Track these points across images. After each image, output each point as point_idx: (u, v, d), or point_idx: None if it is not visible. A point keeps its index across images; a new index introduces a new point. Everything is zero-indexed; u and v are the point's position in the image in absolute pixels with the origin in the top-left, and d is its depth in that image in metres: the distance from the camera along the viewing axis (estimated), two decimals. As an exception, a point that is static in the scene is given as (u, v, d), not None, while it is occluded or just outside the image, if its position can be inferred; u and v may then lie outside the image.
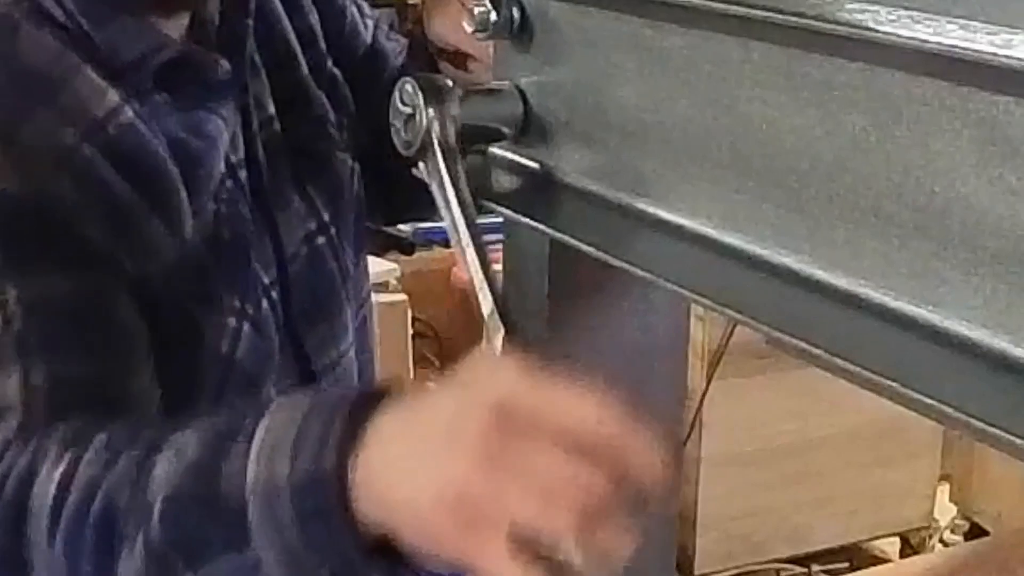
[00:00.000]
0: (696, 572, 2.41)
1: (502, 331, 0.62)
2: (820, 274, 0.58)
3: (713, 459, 2.37)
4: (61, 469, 0.68)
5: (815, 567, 2.51)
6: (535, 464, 0.53)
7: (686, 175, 0.66)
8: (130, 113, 0.83)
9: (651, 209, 0.68)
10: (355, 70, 1.06)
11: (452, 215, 0.67)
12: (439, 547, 0.55)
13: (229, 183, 0.90)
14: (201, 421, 0.66)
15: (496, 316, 0.62)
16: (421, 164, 0.69)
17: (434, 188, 0.68)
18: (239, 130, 0.92)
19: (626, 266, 0.65)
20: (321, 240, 0.97)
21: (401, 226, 2.81)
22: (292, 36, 1.01)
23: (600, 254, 0.66)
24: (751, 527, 2.43)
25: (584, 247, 0.67)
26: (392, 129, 0.71)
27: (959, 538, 2.58)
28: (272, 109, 0.96)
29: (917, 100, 0.53)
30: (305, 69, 1.00)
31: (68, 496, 0.67)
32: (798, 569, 2.51)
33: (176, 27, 0.89)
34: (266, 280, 0.93)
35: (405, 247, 2.85)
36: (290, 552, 0.59)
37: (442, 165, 0.67)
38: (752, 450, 2.39)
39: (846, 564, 2.49)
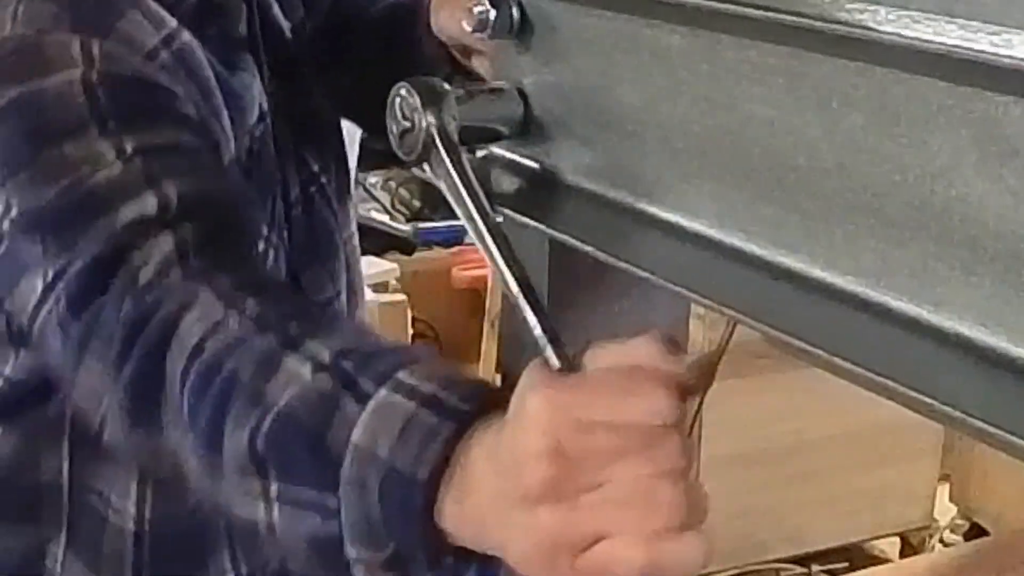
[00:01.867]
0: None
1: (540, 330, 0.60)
2: (819, 274, 0.59)
3: (713, 459, 2.36)
4: (211, 315, 0.71)
5: (815, 567, 2.51)
6: (598, 476, 0.53)
7: (685, 175, 0.66)
8: (186, 36, 0.91)
9: (650, 209, 0.68)
10: (328, 17, 1.12)
11: (468, 211, 0.65)
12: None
13: (262, 126, 0.99)
14: (337, 334, 0.69)
15: (537, 324, 0.60)
16: (427, 166, 0.68)
17: (444, 189, 0.67)
18: (260, 84, 0.99)
19: (625, 266, 0.65)
20: (313, 189, 1.05)
21: (401, 227, 2.81)
22: (276, 8, 1.07)
23: (599, 254, 0.66)
24: (751, 527, 2.43)
25: (583, 247, 0.67)
26: (391, 135, 0.71)
27: (959, 538, 2.58)
28: (269, 74, 1.03)
29: (917, 100, 0.53)
30: (288, 34, 1.07)
31: (207, 345, 0.70)
32: (798, 569, 2.50)
33: None
34: (279, 222, 1.01)
35: (405, 247, 2.85)
36: (367, 517, 0.62)
37: (448, 164, 0.67)
38: (752, 450, 2.39)
39: (846, 564, 2.49)
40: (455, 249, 2.82)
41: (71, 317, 0.76)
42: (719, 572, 2.43)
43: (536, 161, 0.75)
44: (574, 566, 0.53)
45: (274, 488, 0.66)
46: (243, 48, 0.99)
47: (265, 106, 1.00)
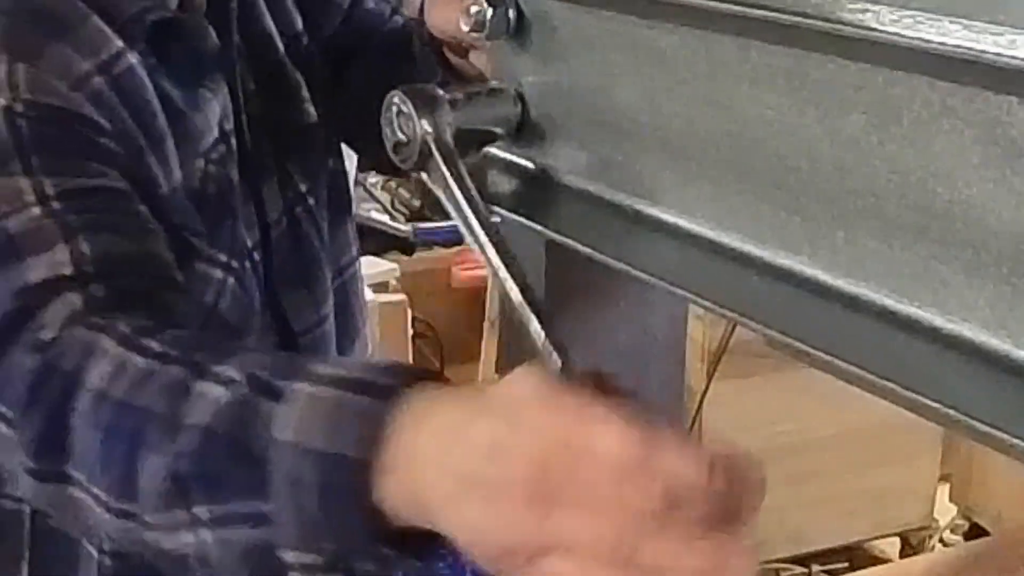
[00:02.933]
0: (696, 572, 2.40)
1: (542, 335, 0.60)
2: (820, 275, 0.58)
3: (713, 459, 2.36)
4: (115, 357, 0.69)
5: (815, 567, 2.50)
6: (584, 488, 0.52)
7: (684, 175, 0.65)
8: (131, 59, 0.89)
9: (648, 210, 0.67)
10: (335, 39, 1.11)
11: (466, 218, 0.65)
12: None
13: (222, 147, 0.96)
14: (247, 357, 0.67)
15: (536, 326, 0.60)
16: (424, 174, 0.68)
17: (441, 196, 0.66)
18: (229, 103, 0.98)
19: (623, 267, 0.65)
20: (299, 209, 1.03)
21: (401, 227, 2.81)
22: (268, 18, 1.05)
23: (597, 255, 0.65)
24: (751, 527, 2.42)
25: (581, 248, 0.66)
26: (386, 144, 0.70)
27: (959, 538, 2.57)
28: (253, 87, 1.02)
29: (919, 101, 0.52)
30: (281, 49, 1.06)
31: (114, 386, 0.68)
32: (798, 569, 2.50)
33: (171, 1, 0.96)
34: (250, 243, 0.99)
35: (405, 247, 2.85)
36: (303, 513, 0.60)
37: (445, 171, 0.66)
38: (752, 450, 2.38)
39: (846, 564, 2.49)
40: (455, 249, 2.82)
41: None
42: (719, 572, 2.43)
43: (533, 162, 0.74)
44: (524, 567, 0.53)
45: (202, 511, 0.64)
46: (210, 65, 0.97)
47: (229, 126, 0.98)
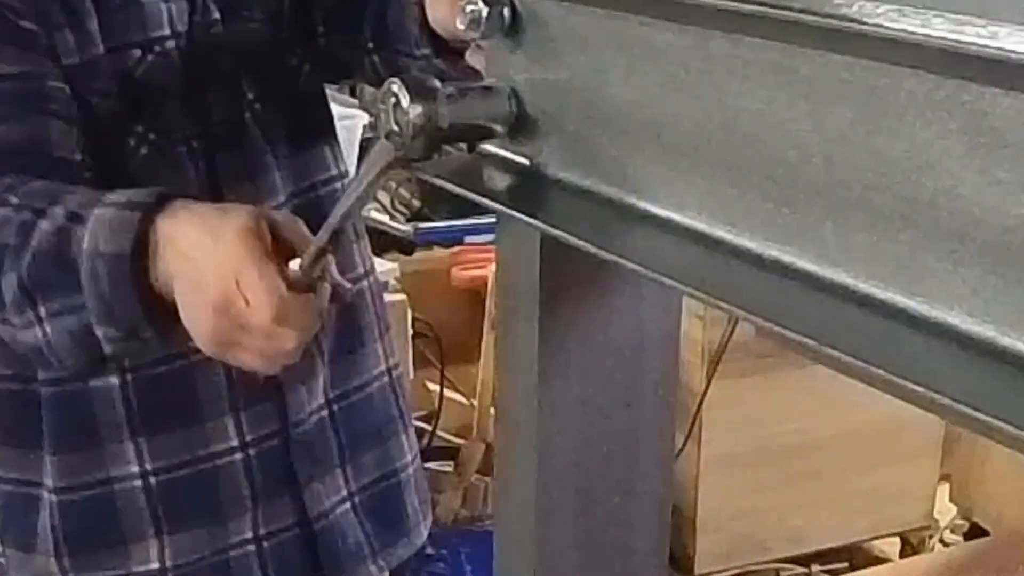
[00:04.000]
0: (696, 572, 2.40)
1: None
2: (809, 266, 0.59)
3: (713, 459, 2.37)
4: None
5: (815, 567, 2.51)
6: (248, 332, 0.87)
7: (675, 169, 0.66)
8: None
9: (640, 204, 0.68)
10: None
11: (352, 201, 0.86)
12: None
13: (169, 43, 1.12)
14: (71, 197, 0.94)
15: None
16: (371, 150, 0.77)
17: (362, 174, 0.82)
18: (187, 8, 1.12)
19: (615, 259, 0.65)
20: (248, 115, 1.18)
21: (401, 227, 2.81)
22: None
23: (590, 247, 0.66)
24: (751, 527, 2.43)
25: (575, 241, 0.67)
26: (380, 130, 0.72)
27: (959, 538, 2.58)
28: (216, 14, 1.15)
29: (904, 93, 0.53)
30: None
31: None
32: (798, 569, 2.51)
33: None
34: (188, 131, 1.14)
35: (405, 247, 2.85)
36: (102, 297, 0.89)
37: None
38: (752, 450, 2.39)
39: (846, 564, 2.49)
40: (455, 249, 2.82)
41: None
42: (719, 572, 2.43)
43: (527, 158, 0.75)
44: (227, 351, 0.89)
45: (42, 310, 0.92)
46: None
47: (181, 28, 1.13)
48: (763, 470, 2.39)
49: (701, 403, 2.31)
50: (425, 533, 1.35)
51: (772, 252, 0.61)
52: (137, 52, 1.11)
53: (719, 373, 2.29)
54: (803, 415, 2.38)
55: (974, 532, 2.52)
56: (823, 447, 2.41)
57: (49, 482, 1.13)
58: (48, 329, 0.92)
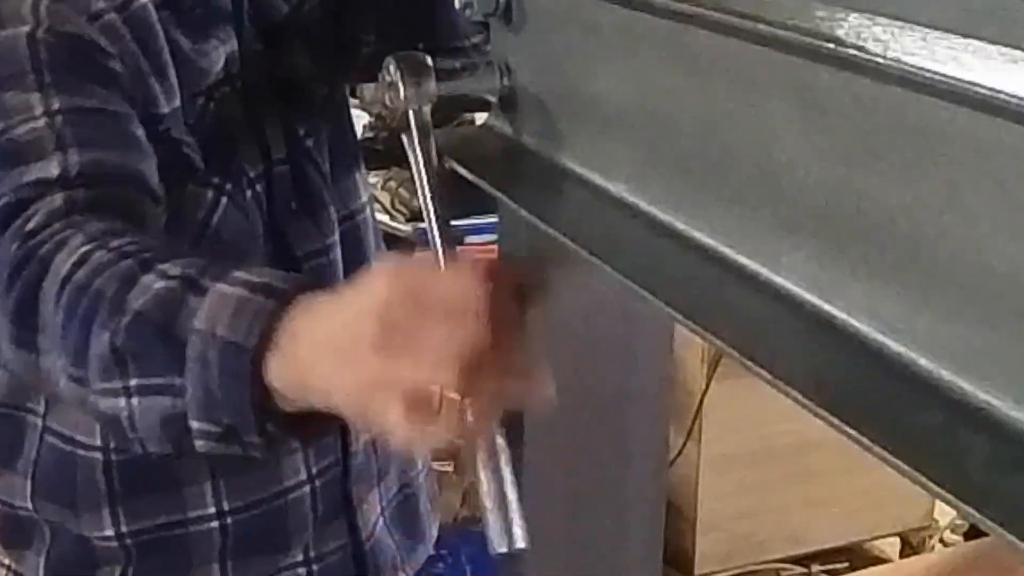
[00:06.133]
0: (696, 572, 2.40)
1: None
2: (694, 233, 0.64)
3: (713, 459, 2.37)
4: (81, 250, 0.82)
5: (815, 567, 2.51)
6: (419, 338, 0.64)
7: (637, 152, 0.68)
8: (143, 1, 1.02)
9: (603, 184, 0.71)
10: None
11: (422, 190, 0.75)
12: (357, 420, 0.68)
13: (226, 88, 1.09)
14: (188, 260, 0.79)
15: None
16: (404, 137, 0.74)
17: (411, 160, 0.74)
18: (237, 52, 1.09)
19: (567, 241, 0.68)
20: (301, 151, 1.16)
21: (401, 227, 2.82)
22: None
23: (548, 228, 0.69)
24: (751, 527, 2.43)
25: (529, 216, 0.69)
26: (371, 108, 0.74)
27: (959, 538, 2.58)
28: (257, 45, 1.12)
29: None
30: (285, 9, 1.14)
31: (77, 272, 0.81)
32: (798, 569, 2.51)
33: None
34: (252, 174, 1.11)
35: (405, 247, 2.85)
36: (207, 389, 0.73)
37: (416, 143, 0.72)
38: (752, 450, 2.39)
39: (846, 564, 2.49)
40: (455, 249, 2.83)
41: None
42: (719, 572, 2.43)
43: (514, 133, 0.76)
44: (389, 402, 0.64)
45: (133, 382, 0.77)
46: (221, 18, 1.08)
47: (235, 70, 1.10)
48: (763, 470, 2.39)
49: (701, 403, 2.31)
50: (436, 534, 1.36)
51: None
52: (202, 100, 1.07)
53: (719, 373, 2.29)
54: (803, 415, 2.36)
55: (974, 532, 2.52)
56: (823, 447, 2.41)
57: (124, 528, 1.12)
58: (135, 403, 0.78)
